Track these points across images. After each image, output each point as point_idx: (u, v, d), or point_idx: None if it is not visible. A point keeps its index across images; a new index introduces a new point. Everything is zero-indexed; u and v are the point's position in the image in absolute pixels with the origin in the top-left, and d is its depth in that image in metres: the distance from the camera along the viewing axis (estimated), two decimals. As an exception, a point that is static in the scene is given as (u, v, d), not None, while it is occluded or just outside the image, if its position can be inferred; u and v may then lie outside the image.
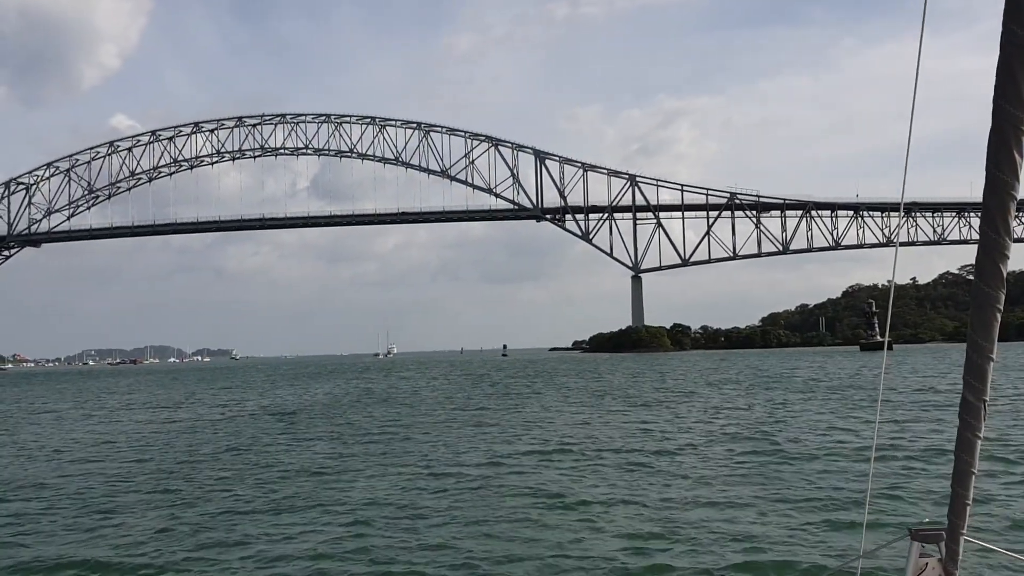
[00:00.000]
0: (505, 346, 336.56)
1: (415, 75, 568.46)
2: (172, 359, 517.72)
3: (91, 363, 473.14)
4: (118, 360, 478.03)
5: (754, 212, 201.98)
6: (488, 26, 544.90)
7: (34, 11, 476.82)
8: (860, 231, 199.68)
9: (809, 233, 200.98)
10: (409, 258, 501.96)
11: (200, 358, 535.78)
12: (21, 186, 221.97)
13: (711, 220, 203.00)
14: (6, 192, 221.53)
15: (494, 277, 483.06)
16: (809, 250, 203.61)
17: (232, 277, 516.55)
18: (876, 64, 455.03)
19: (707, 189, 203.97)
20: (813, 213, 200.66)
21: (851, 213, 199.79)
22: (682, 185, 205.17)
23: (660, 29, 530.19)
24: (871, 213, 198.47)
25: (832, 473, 22.24)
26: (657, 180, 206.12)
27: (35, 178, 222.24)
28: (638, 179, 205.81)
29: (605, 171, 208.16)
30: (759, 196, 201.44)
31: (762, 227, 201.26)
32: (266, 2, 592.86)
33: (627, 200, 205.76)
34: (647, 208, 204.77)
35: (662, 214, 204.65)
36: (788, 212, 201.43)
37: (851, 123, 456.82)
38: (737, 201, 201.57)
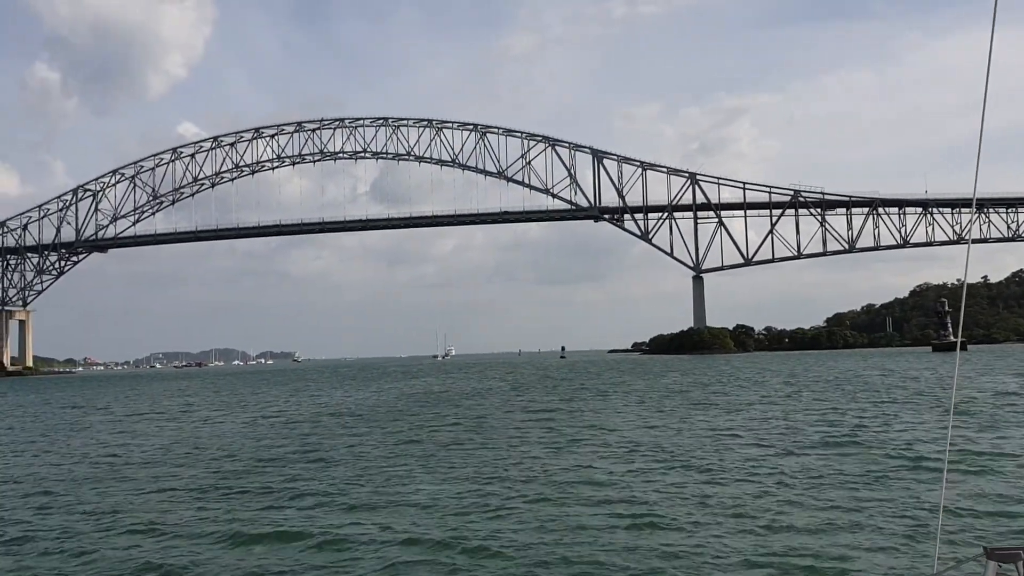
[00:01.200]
0: (563, 348, 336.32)
1: (473, 76, 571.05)
2: (236, 362, 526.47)
3: (158, 366, 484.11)
4: (184, 363, 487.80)
5: (819, 210, 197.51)
6: (545, 26, 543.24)
7: (105, 23, 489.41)
8: (929, 228, 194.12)
9: (876, 231, 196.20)
10: (467, 260, 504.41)
11: (264, 361, 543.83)
12: (88, 193, 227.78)
13: (774, 219, 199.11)
14: (74, 199, 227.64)
15: (551, 278, 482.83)
16: (876, 248, 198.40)
17: (295, 281, 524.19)
18: (942, 56, 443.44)
19: (770, 187, 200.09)
20: (880, 210, 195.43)
21: (920, 210, 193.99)
22: (744, 183, 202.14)
23: (718, 26, 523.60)
24: (941, 209, 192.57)
25: (908, 484, 21.01)
26: (718, 178, 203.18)
27: (102, 185, 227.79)
28: (698, 177, 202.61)
29: (664, 170, 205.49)
30: (823, 193, 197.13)
31: (827, 225, 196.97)
32: (325, 7, 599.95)
33: (687, 199, 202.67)
34: (708, 207, 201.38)
35: (724, 213, 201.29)
36: (854, 210, 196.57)
37: (918, 117, 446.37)
38: (801, 199, 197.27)
